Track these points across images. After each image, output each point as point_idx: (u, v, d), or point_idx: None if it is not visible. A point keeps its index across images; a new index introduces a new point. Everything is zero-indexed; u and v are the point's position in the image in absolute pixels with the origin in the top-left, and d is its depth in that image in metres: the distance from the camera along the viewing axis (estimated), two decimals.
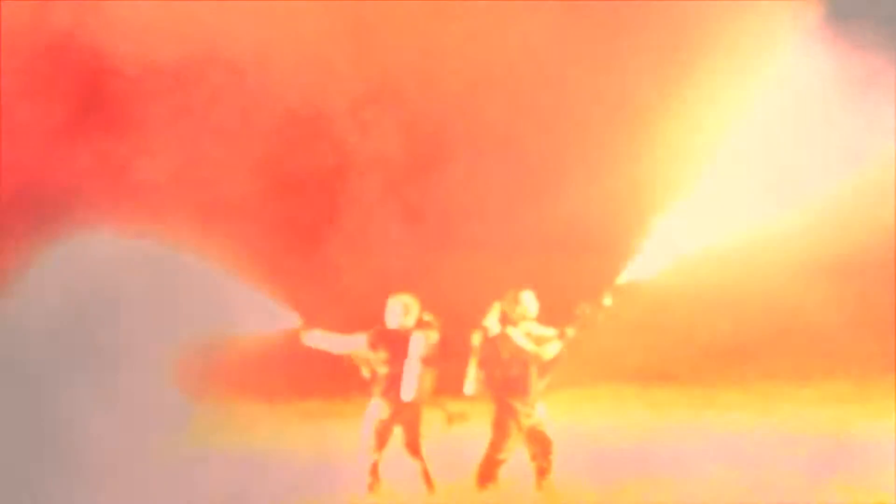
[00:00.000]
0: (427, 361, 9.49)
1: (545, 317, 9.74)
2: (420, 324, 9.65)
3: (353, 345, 9.66)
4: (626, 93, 18.31)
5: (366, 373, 9.68)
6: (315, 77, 16.29)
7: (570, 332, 9.53)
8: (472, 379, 9.57)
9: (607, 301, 9.54)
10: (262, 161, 16.05)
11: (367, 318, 10.01)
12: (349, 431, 12.68)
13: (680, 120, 16.37)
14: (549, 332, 9.60)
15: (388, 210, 19.89)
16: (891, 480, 9.48)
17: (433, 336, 9.53)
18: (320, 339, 9.80)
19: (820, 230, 17.21)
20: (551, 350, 9.50)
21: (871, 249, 18.33)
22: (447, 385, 9.62)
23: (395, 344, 9.58)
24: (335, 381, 16.96)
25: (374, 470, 9.58)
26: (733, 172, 9.42)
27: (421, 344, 9.50)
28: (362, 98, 17.54)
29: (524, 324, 9.61)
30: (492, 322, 9.61)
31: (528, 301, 9.67)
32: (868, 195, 15.16)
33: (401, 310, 9.73)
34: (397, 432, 9.64)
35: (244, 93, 15.36)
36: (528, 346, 9.48)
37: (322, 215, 19.36)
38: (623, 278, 9.62)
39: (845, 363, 18.04)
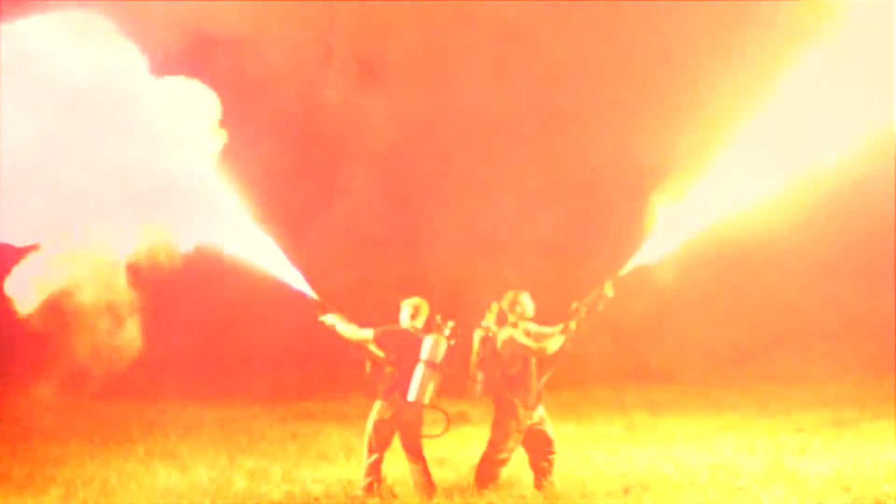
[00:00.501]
0: (435, 366, 9.44)
1: (545, 317, 9.73)
2: (431, 326, 9.62)
3: (361, 336, 9.64)
4: (626, 93, 18.33)
5: (368, 367, 9.65)
6: (310, 69, 16.27)
7: (573, 325, 9.52)
8: (472, 379, 9.55)
9: (609, 291, 9.53)
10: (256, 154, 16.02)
11: (364, 314, 9.98)
12: (349, 432, 12.73)
13: (680, 120, 16.41)
14: (550, 329, 9.58)
15: (383, 206, 19.90)
16: (890, 480, 9.48)
17: (443, 342, 9.49)
18: (334, 321, 9.77)
19: (820, 229, 17.29)
20: (555, 344, 9.49)
21: (871, 249, 18.37)
22: (447, 386, 9.60)
23: (404, 345, 9.55)
24: (335, 381, 17.03)
25: (375, 470, 9.56)
26: (733, 172, 9.41)
27: (431, 347, 9.46)
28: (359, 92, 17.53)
29: (523, 323, 9.60)
30: (491, 322, 9.59)
31: (526, 301, 9.67)
32: (868, 195, 15.21)
33: (411, 312, 9.70)
34: (398, 433, 9.61)
35: (240, 83, 15.33)
36: (530, 343, 9.47)
37: (315, 209, 19.35)
38: (625, 270, 9.61)
39: (845, 363, 18.07)
